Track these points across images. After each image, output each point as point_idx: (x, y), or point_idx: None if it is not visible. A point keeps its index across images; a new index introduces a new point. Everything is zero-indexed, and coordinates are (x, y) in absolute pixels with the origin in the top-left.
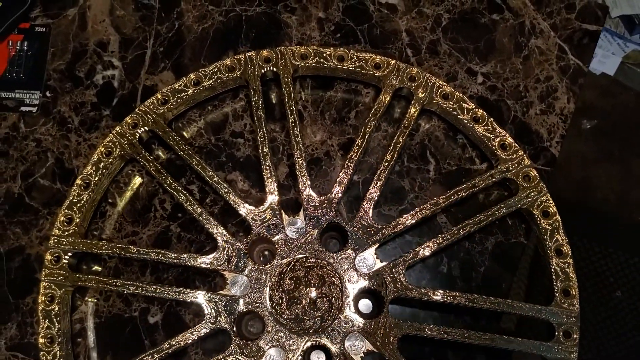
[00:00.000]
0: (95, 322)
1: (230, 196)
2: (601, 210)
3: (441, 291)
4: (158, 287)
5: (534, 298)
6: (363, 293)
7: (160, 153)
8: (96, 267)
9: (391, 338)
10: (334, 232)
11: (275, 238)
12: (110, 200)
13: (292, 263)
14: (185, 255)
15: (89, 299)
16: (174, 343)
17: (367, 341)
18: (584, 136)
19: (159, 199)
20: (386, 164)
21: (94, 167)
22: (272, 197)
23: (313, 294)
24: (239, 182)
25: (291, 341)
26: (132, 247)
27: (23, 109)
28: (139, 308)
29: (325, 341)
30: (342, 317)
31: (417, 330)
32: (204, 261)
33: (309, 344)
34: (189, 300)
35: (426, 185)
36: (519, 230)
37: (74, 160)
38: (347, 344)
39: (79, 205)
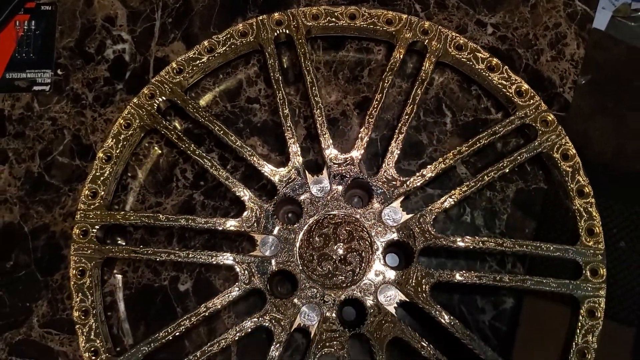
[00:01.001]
0: (125, 294)
1: (254, 158)
2: (599, 163)
3: (470, 237)
4: (190, 253)
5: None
6: (391, 246)
7: (176, 124)
8: (121, 241)
9: (424, 286)
10: (357, 190)
11: (301, 197)
12: (130, 174)
13: (320, 220)
14: (215, 219)
15: (117, 273)
16: (210, 305)
17: (399, 291)
18: (579, 91)
19: (179, 168)
20: (406, 117)
21: (114, 140)
22: (296, 157)
23: (343, 249)
24: (258, 147)
25: (325, 297)
26: (160, 215)
27: (36, 88)
28: (169, 277)
29: (358, 294)
30: (373, 270)
31: (448, 277)
32: (233, 224)
33: (342, 298)
34: (221, 263)
35: (444, 138)
36: (539, 176)
37: (90, 136)
38: (380, 295)
39: (102, 178)
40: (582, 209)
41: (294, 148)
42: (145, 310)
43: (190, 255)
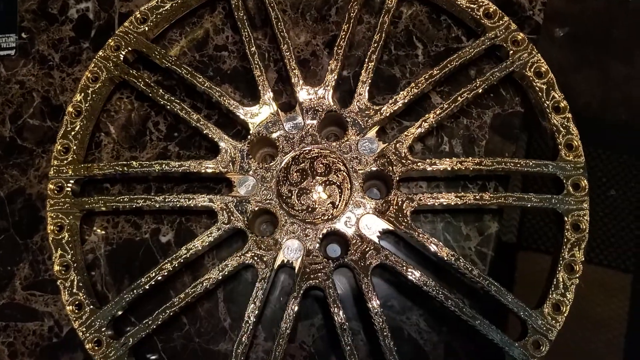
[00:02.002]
0: (107, 249)
1: (224, 99)
2: (586, 115)
3: (448, 159)
4: (167, 197)
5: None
6: (371, 179)
7: (145, 78)
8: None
9: (405, 211)
10: (333, 128)
11: (275, 135)
12: (103, 130)
13: (296, 157)
14: (189, 162)
15: (97, 229)
16: (190, 247)
17: (381, 220)
18: (558, 44)
19: (152, 121)
20: (375, 44)
21: (82, 94)
22: (267, 94)
23: (320, 182)
24: (230, 94)
25: (306, 231)
26: (133, 162)
27: (1, 53)
28: (149, 229)
29: (339, 226)
30: (352, 201)
31: (429, 200)
32: (208, 165)
33: (324, 231)
34: (199, 205)
35: (417, 70)
36: (515, 100)
37: (60, 97)
38: (361, 225)
39: (73, 133)
40: (559, 125)
41: (264, 85)
42: (128, 264)
43: (166, 200)
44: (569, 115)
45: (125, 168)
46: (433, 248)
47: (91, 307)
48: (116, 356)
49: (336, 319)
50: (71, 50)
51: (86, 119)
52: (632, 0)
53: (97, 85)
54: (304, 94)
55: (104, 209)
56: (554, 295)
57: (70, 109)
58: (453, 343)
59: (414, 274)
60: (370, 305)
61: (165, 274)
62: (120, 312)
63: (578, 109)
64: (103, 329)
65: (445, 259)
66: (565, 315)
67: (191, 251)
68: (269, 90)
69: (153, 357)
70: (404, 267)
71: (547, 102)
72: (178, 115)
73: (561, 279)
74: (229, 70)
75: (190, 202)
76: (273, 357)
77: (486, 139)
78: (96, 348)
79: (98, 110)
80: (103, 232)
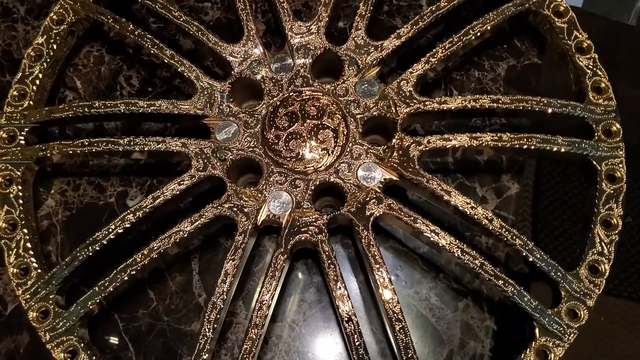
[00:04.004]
0: (66, 215)
1: (200, 34)
2: None
3: (460, 97)
4: (133, 139)
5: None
6: (369, 128)
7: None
8: None
9: (411, 155)
10: (328, 77)
11: (261, 75)
12: (69, 85)
13: (285, 99)
14: (159, 101)
15: (55, 192)
16: (158, 195)
17: (382, 168)
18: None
19: (124, 75)
20: None
21: (45, 37)
22: (251, 27)
23: (313, 127)
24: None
25: (295, 182)
26: (96, 102)
27: None
28: (115, 193)
29: (334, 176)
30: (349, 148)
31: (440, 142)
32: (182, 106)
33: (317, 182)
34: (171, 150)
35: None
36: (531, 51)
37: (23, 51)
38: (360, 174)
39: (31, 77)
40: (584, 66)
41: (248, 19)
42: (90, 232)
43: (132, 144)
44: (595, 55)
45: (86, 109)
46: (445, 196)
47: (39, 271)
48: (65, 328)
49: (332, 284)
50: (38, 3)
51: (47, 64)
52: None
53: (62, 28)
54: (292, 27)
55: (58, 153)
56: (591, 255)
57: (29, 51)
58: (470, 321)
59: (425, 226)
60: (375, 272)
61: (128, 226)
62: (72, 277)
63: None
64: (51, 296)
65: (460, 207)
66: (605, 277)
67: (158, 200)
68: (253, 24)
69: (113, 339)
70: (412, 218)
71: (570, 43)
72: (149, 53)
73: (597, 236)
74: (212, 21)
75: (160, 145)
76: (248, 334)
77: (500, 92)
78: (41, 319)
79: (62, 59)
80: (61, 195)
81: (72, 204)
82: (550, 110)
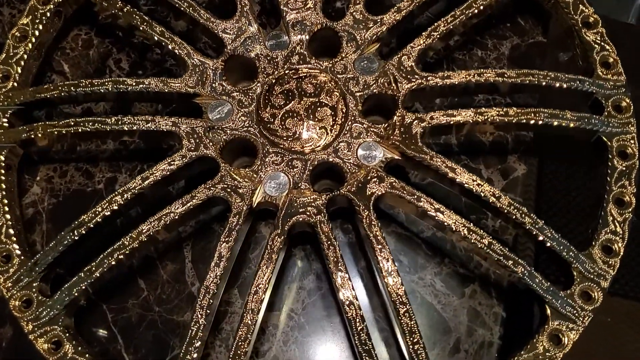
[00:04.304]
0: (51, 203)
1: (192, 10)
2: None
3: (464, 71)
4: (121, 118)
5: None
6: (369, 108)
7: None
8: None
9: (414, 132)
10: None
11: (254, 54)
12: (56, 69)
13: (281, 77)
14: (149, 79)
15: (41, 179)
16: (147, 176)
17: (384, 147)
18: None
19: (113, 59)
20: None
21: (30, 17)
22: (244, 2)
23: (310, 104)
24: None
25: (292, 162)
26: (83, 81)
27: None
28: (104, 179)
29: (333, 157)
30: (348, 127)
31: (443, 117)
32: (174, 84)
33: (315, 162)
34: (161, 129)
35: None
36: (535, 30)
37: (9, 34)
38: (359, 154)
39: (16, 58)
40: (592, 41)
41: None
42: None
43: (120, 123)
44: (602, 29)
45: (73, 88)
46: (450, 173)
47: (22, 258)
48: (49, 317)
49: (332, 267)
50: None
51: (32, 45)
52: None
53: (48, 8)
54: (289, 4)
55: (43, 133)
56: (604, 235)
57: (14, 31)
58: (477, 307)
59: (429, 204)
60: (377, 254)
61: (116, 208)
62: (58, 265)
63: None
64: (34, 284)
65: (466, 185)
66: (619, 256)
67: (148, 180)
68: (248, 0)
69: (101, 332)
70: (415, 196)
71: (576, 18)
72: (140, 34)
73: (610, 215)
74: (204, 2)
75: (149, 124)
76: (243, 320)
77: None
78: (23, 308)
79: (49, 41)
80: (47, 182)
81: (59, 191)
82: (557, 85)
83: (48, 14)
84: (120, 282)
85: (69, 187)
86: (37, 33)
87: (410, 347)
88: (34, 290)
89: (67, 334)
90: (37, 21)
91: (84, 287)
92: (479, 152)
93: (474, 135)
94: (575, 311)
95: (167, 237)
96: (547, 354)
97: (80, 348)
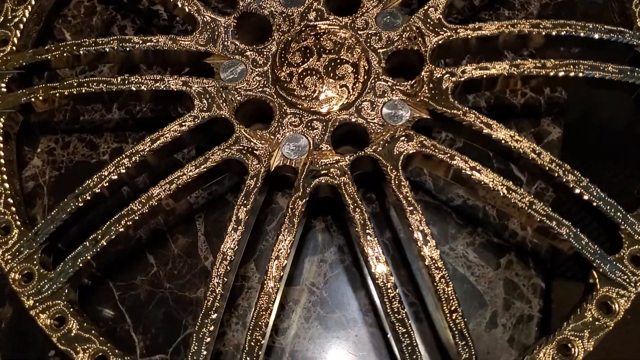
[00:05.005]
0: (54, 175)
1: None
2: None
3: (497, 22)
4: (128, 77)
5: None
6: (393, 56)
7: None
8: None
9: (444, 87)
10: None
11: (268, 11)
12: (57, 37)
13: (297, 33)
14: (157, 37)
15: (42, 151)
16: (155, 137)
17: (411, 106)
18: None
19: (117, 26)
20: None
21: None
22: None
23: (330, 62)
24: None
25: (312, 123)
26: (86, 40)
27: None
28: (109, 150)
29: (356, 117)
30: (371, 84)
31: (476, 72)
32: (183, 42)
33: (336, 123)
34: (171, 88)
35: None
36: None
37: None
38: (385, 113)
39: (15, 21)
40: None
41: None
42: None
43: (127, 82)
44: None
45: (75, 48)
46: (486, 129)
47: (22, 229)
48: (51, 291)
49: (358, 230)
50: None
51: (32, 7)
52: None
53: None
54: None
55: (44, 97)
56: None
57: None
58: (514, 279)
59: (464, 162)
60: (408, 217)
61: (123, 171)
62: (60, 237)
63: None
64: (35, 257)
65: (503, 141)
66: None
67: (157, 142)
68: None
69: (107, 311)
70: (448, 155)
71: None
72: None
73: None
74: None
75: (158, 84)
76: (263, 289)
77: None
78: (24, 282)
79: (49, 5)
80: (48, 154)
81: (61, 163)
82: (597, 36)
83: None
84: (128, 257)
85: (71, 159)
86: None
87: (448, 315)
88: (35, 262)
89: (71, 309)
90: None
91: (89, 258)
92: (510, 116)
93: (504, 97)
94: (625, 276)
95: (177, 208)
96: (596, 322)
97: (85, 324)
